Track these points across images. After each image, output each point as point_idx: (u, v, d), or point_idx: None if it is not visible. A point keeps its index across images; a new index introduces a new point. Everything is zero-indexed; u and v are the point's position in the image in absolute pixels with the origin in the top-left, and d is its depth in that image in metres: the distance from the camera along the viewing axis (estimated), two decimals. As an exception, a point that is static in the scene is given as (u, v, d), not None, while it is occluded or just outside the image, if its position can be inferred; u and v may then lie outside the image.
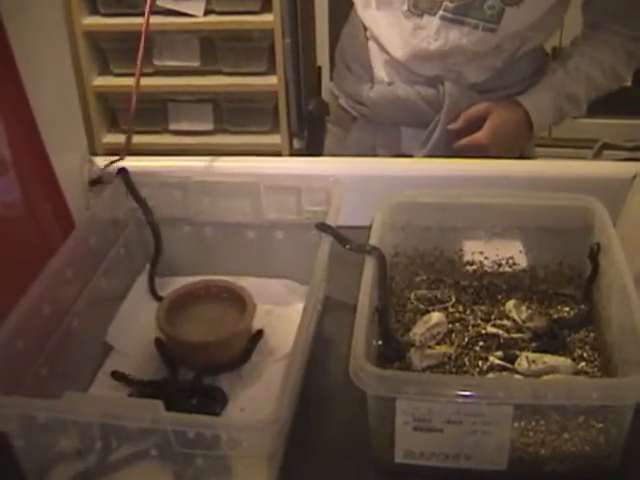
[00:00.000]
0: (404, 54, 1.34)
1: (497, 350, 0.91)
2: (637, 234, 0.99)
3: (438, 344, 0.93)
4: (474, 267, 1.03)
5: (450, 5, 1.28)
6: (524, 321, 0.94)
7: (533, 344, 0.91)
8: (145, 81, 2.29)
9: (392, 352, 0.90)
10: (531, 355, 0.88)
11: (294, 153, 2.63)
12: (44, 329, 0.86)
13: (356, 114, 1.45)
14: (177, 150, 2.52)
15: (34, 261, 0.89)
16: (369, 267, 0.90)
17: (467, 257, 1.02)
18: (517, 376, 0.86)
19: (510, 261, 1.02)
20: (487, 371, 0.89)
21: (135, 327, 1.01)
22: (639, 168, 1.11)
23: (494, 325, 0.95)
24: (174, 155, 1.23)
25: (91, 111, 2.58)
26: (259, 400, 0.90)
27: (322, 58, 2.67)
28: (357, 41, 1.42)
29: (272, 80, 2.54)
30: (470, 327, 0.95)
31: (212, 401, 0.89)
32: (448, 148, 1.34)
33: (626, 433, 0.77)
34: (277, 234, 1.05)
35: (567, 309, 0.99)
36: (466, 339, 0.93)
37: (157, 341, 0.97)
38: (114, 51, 2.57)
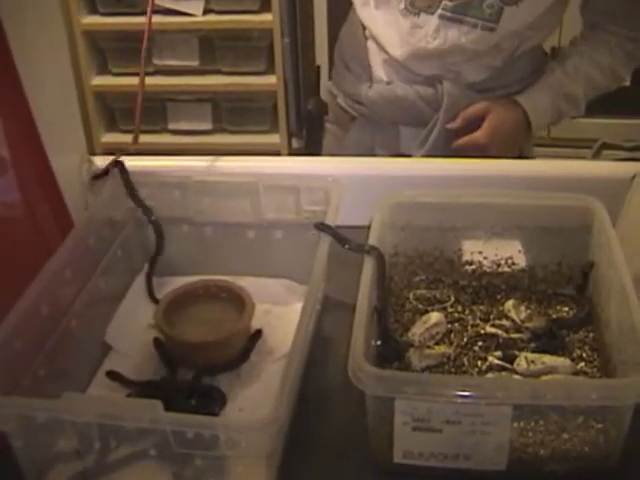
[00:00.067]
0: (403, 53, 1.34)
1: (496, 350, 0.91)
2: (636, 234, 0.99)
3: (437, 344, 0.93)
4: (473, 267, 1.03)
5: (449, 4, 1.28)
6: (523, 321, 0.94)
7: (532, 344, 0.91)
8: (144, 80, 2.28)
9: (391, 352, 0.90)
10: (530, 355, 0.87)
11: (293, 153, 2.63)
12: (42, 329, 0.86)
13: (355, 113, 1.45)
14: (176, 150, 2.52)
15: (33, 261, 0.89)
16: (368, 267, 0.90)
17: (466, 257, 1.02)
18: (516, 376, 0.86)
19: (509, 261, 1.02)
20: (486, 371, 0.89)
21: (134, 327, 1.01)
22: (638, 168, 1.11)
23: (493, 325, 0.95)
24: (173, 155, 1.23)
25: (90, 111, 2.58)
26: (258, 400, 0.89)
27: (321, 58, 2.67)
28: (356, 40, 1.42)
29: (271, 80, 2.55)
30: (469, 327, 0.95)
31: (211, 401, 0.89)
32: (447, 147, 1.34)
33: (625, 433, 0.77)
34: (276, 234, 1.05)
35: (566, 309, 0.99)
36: (465, 339, 0.93)
37: (156, 341, 0.97)
38: (113, 50, 2.57)
